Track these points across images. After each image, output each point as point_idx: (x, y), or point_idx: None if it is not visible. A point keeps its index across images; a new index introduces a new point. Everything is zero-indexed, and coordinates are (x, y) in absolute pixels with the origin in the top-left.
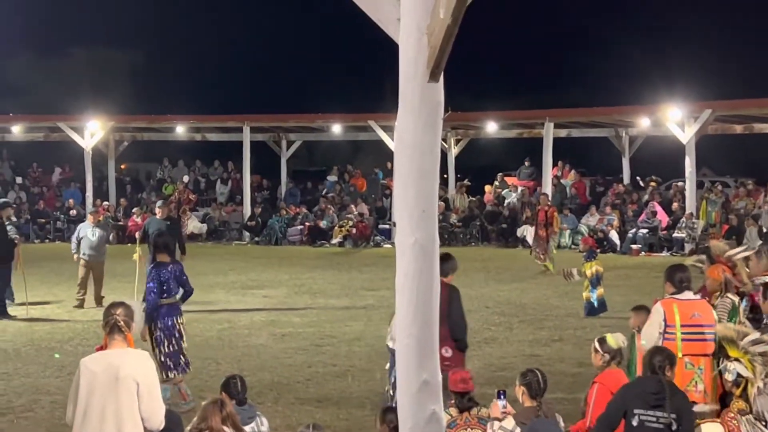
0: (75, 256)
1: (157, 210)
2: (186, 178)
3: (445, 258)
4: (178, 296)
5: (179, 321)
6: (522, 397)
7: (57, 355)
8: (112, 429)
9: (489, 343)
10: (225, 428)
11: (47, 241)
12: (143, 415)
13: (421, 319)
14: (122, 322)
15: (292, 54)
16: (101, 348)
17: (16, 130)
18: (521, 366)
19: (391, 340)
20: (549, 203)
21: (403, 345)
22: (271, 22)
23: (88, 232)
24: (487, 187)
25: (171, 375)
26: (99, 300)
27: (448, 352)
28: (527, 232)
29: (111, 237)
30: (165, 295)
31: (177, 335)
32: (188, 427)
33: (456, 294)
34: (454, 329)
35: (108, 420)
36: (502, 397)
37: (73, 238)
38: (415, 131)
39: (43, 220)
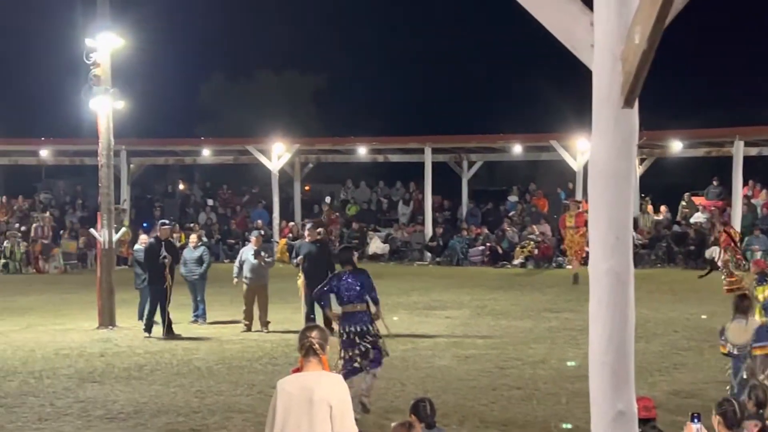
0: (235, 280)
1: (306, 233)
2: (328, 199)
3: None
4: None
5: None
6: (717, 427)
7: None
8: None
9: (678, 369)
10: None
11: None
12: None
13: (616, 348)
14: (317, 345)
15: (473, 75)
16: (297, 370)
17: (207, 153)
18: (713, 393)
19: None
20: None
21: (596, 374)
22: (451, 43)
23: (249, 255)
24: (662, 208)
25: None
26: (265, 324)
27: None
28: (715, 253)
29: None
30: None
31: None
32: None
33: None
34: None
35: None
36: (696, 420)
37: (236, 262)
38: (609, 158)
39: (232, 241)
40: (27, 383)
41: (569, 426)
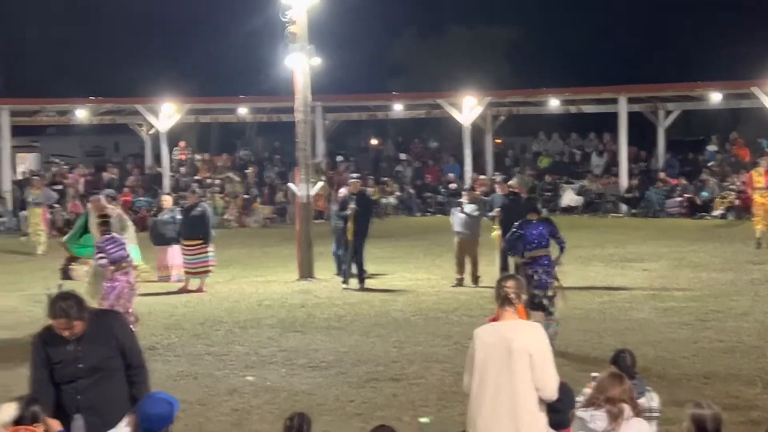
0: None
1: (496, 186)
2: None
3: None
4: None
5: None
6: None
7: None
8: (506, 399)
9: None
10: (623, 402)
11: (428, 214)
12: (537, 385)
13: None
14: (513, 295)
15: (668, 22)
16: (494, 319)
17: (399, 108)
18: None
19: None
20: None
21: None
22: None
23: (456, 210)
24: None
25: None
26: (475, 279)
27: None
28: None
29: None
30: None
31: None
32: (579, 397)
33: None
34: None
35: (503, 390)
36: None
37: (451, 217)
38: None
39: (428, 194)
40: (233, 332)
41: (427, 420)
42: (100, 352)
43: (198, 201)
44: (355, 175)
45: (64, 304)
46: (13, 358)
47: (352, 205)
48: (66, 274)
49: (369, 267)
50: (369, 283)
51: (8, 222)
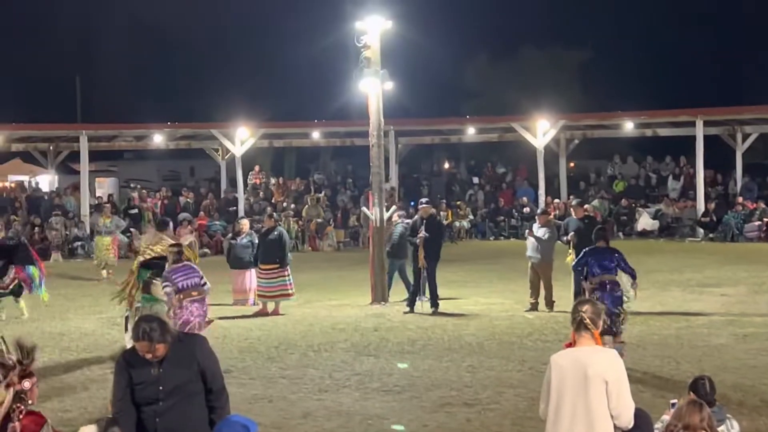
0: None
1: (572, 210)
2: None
3: None
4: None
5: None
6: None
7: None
8: (583, 425)
9: None
10: (702, 430)
11: (501, 238)
12: (613, 413)
13: None
14: (588, 320)
15: (745, 44)
16: (570, 345)
17: (472, 132)
18: None
19: None
20: None
21: None
22: (721, 8)
23: (537, 232)
24: None
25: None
26: (550, 304)
27: None
28: None
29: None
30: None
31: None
32: (657, 424)
33: None
34: None
35: (579, 417)
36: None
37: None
38: None
39: (500, 218)
40: (307, 356)
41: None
42: (182, 375)
43: (275, 225)
44: (424, 199)
45: (147, 326)
46: (94, 380)
47: (423, 232)
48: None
49: (443, 291)
50: (442, 307)
51: (86, 245)
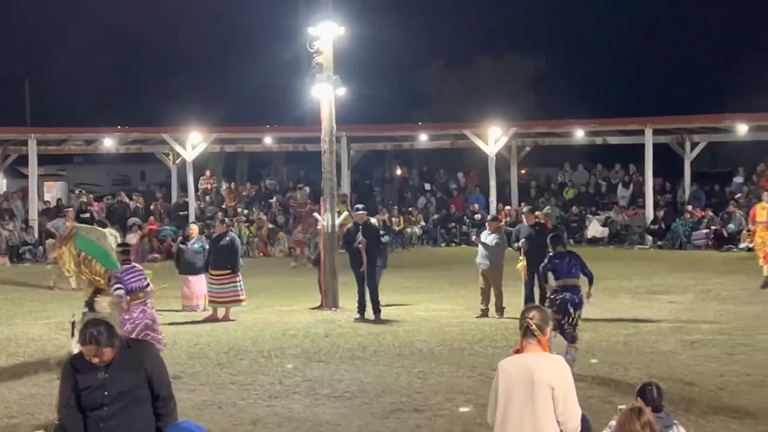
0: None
1: (523, 217)
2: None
3: None
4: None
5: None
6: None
7: None
8: (529, 431)
9: None
10: None
11: (453, 244)
12: (559, 419)
13: None
14: (535, 326)
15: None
16: (518, 351)
17: (424, 138)
18: None
19: None
20: None
21: None
22: (670, 20)
23: (486, 239)
24: None
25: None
26: (500, 310)
27: None
28: None
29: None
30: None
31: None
32: (605, 430)
33: None
34: None
35: (526, 423)
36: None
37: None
38: None
39: (451, 225)
40: (257, 362)
41: None
42: (127, 380)
43: (226, 230)
44: (360, 206)
45: (94, 330)
46: (40, 386)
47: (360, 236)
48: (91, 306)
49: (394, 297)
50: (393, 313)
51: (34, 250)
